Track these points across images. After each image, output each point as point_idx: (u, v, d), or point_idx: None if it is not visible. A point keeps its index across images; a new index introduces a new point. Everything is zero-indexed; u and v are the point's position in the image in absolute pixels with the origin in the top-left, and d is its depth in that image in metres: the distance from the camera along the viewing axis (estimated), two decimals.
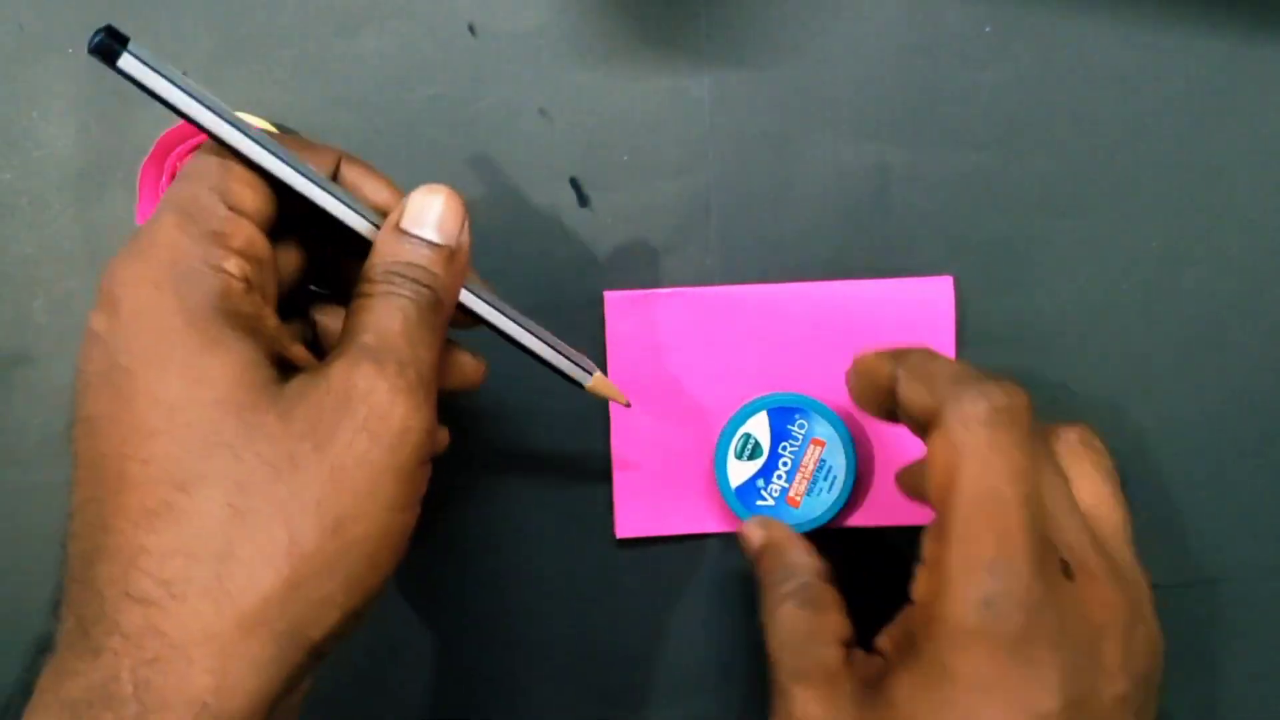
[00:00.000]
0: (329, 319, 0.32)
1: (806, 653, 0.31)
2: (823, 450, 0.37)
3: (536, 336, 0.32)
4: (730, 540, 0.39)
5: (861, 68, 0.39)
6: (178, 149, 0.37)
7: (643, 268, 0.39)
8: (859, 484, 0.38)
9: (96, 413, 0.26)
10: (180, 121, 0.36)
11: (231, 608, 0.24)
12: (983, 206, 0.39)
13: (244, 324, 0.26)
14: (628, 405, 0.36)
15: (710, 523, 0.39)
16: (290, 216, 0.29)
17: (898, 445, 0.39)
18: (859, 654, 0.31)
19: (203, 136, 0.36)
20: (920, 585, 0.29)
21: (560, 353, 0.33)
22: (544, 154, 0.39)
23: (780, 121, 0.39)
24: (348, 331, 0.27)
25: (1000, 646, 0.26)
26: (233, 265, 0.27)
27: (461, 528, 0.39)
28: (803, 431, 0.37)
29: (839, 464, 0.37)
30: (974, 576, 0.27)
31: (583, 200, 0.39)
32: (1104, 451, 0.31)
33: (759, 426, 0.37)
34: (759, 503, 0.37)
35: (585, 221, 0.39)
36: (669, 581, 0.39)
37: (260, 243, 0.28)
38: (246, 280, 0.27)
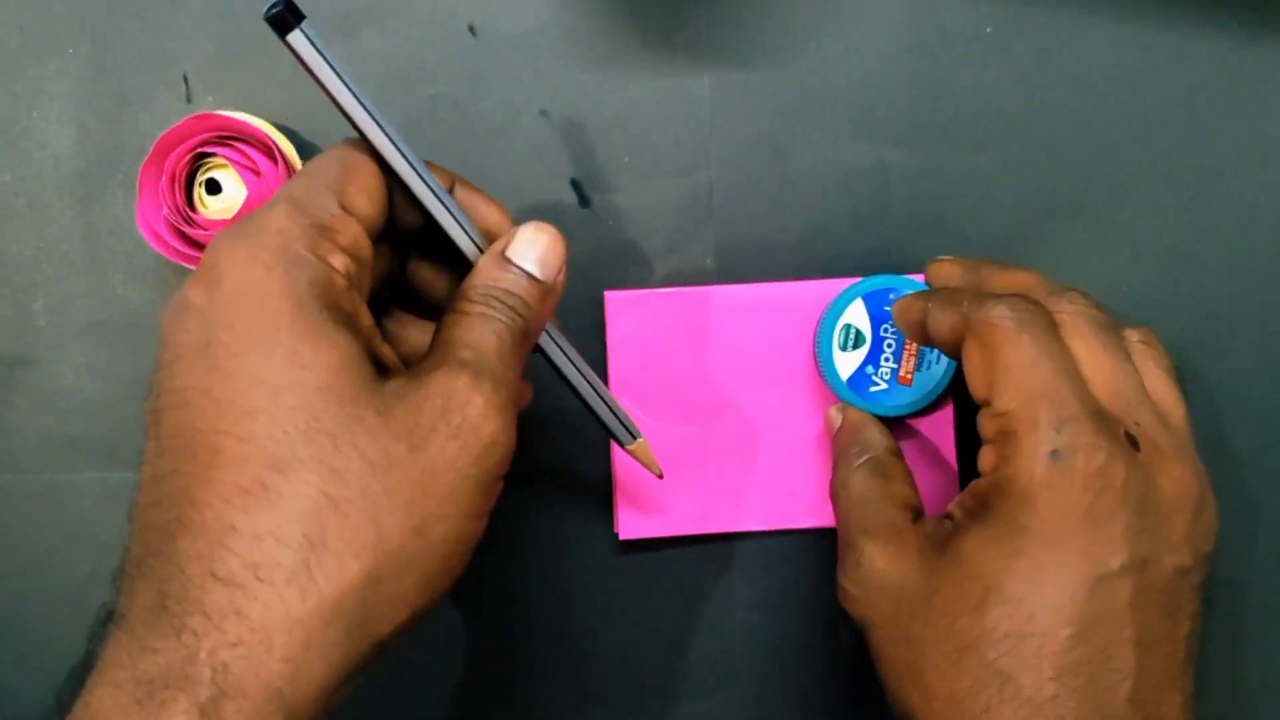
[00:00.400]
0: (396, 324, 0.33)
1: (876, 513, 0.33)
2: None
3: (594, 390, 0.33)
4: (731, 540, 0.39)
5: (861, 68, 0.39)
6: (178, 149, 0.37)
7: (643, 268, 0.39)
8: None
9: (190, 384, 0.25)
10: (180, 121, 0.37)
11: (316, 596, 0.24)
12: (983, 206, 0.39)
13: (344, 318, 0.27)
14: (660, 476, 0.36)
15: (711, 523, 0.39)
16: (389, 225, 0.30)
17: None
18: (928, 519, 0.32)
19: (202, 136, 0.37)
20: (986, 457, 0.30)
21: (613, 411, 0.34)
22: (544, 154, 0.39)
23: (781, 121, 0.39)
24: (444, 343, 0.28)
25: (1069, 500, 0.28)
26: (338, 261, 0.27)
27: None
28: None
29: None
30: (1039, 434, 0.28)
31: (583, 201, 0.39)
32: (1164, 351, 0.32)
33: (857, 314, 0.37)
34: (872, 389, 0.37)
35: (585, 222, 0.39)
36: (670, 583, 0.39)
37: (365, 245, 0.28)
38: (348, 277, 0.27)
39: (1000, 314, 0.29)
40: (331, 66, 0.28)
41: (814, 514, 0.39)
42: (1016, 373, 0.29)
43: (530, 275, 0.30)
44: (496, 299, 0.29)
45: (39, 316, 0.39)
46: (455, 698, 0.40)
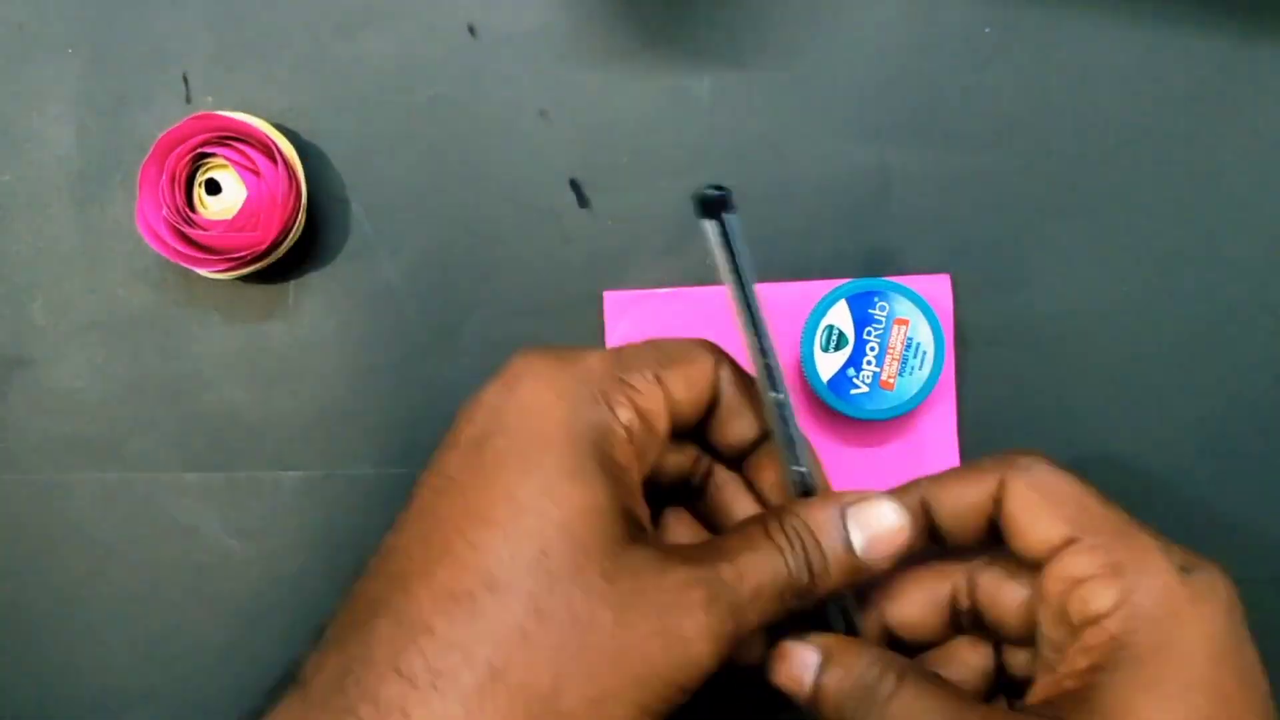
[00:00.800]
0: (675, 519, 0.32)
1: None
2: (908, 329, 0.37)
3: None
4: None
5: (861, 68, 0.39)
6: (178, 149, 0.37)
7: (643, 268, 0.39)
8: None
9: (454, 475, 0.26)
10: (180, 121, 0.37)
11: None
12: (983, 206, 0.39)
13: (610, 468, 0.27)
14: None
15: None
16: (704, 431, 0.31)
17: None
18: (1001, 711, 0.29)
19: (202, 136, 0.37)
20: (1078, 604, 0.27)
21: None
22: (544, 154, 0.39)
23: (780, 121, 0.39)
24: (716, 548, 0.27)
25: (1219, 611, 0.26)
26: (625, 415, 0.27)
27: None
28: (884, 313, 0.37)
29: (926, 339, 0.37)
30: (1157, 553, 0.27)
31: (583, 201, 0.39)
32: None
33: (840, 316, 0.37)
34: (853, 391, 0.37)
35: (585, 222, 0.39)
36: None
37: (661, 418, 0.29)
38: (630, 433, 0.27)
39: (1032, 458, 0.28)
40: (737, 263, 0.28)
41: None
42: (1092, 506, 0.27)
43: (854, 552, 0.28)
44: (803, 547, 0.27)
45: (38, 316, 0.39)
46: None
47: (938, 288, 0.38)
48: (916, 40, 0.38)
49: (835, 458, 0.39)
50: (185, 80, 0.39)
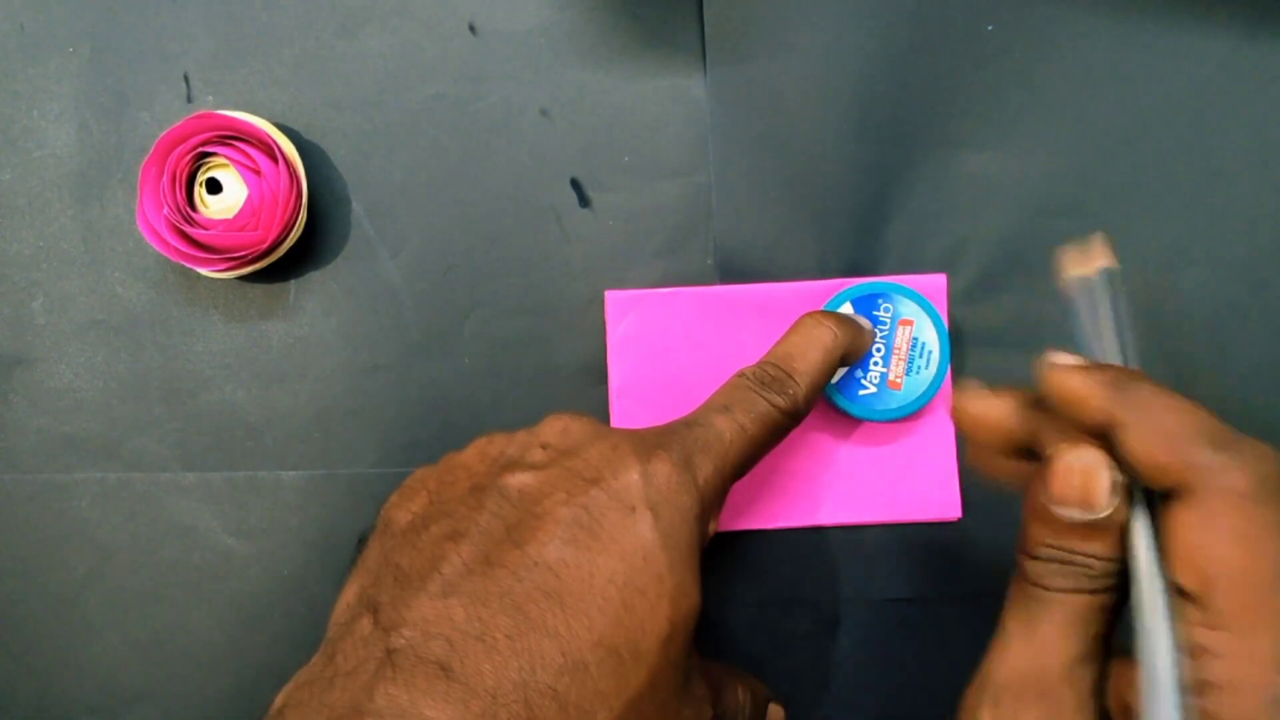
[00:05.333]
0: None
1: None
2: (912, 329, 0.37)
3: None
4: (732, 540, 0.39)
5: (862, 67, 0.39)
6: (178, 148, 0.37)
7: (643, 268, 0.39)
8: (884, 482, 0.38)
9: (570, 559, 0.27)
10: (181, 121, 0.36)
11: None
12: (983, 206, 0.39)
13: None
14: None
15: None
16: None
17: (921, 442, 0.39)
18: None
19: (203, 136, 0.37)
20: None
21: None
22: (544, 154, 0.39)
23: (780, 121, 0.39)
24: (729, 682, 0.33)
25: None
26: (713, 527, 0.31)
27: None
28: (889, 314, 0.37)
29: (930, 339, 0.37)
30: (1263, 675, 0.23)
31: (583, 200, 0.39)
32: None
33: None
34: (861, 392, 0.37)
35: (585, 221, 0.39)
36: None
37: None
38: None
39: (1239, 486, 0.23)
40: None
41: (814, 513, 0.39)
42: (1244, 590, 0.23)
43: None
44: None
45: (38, 315, 0.39)
46: None
47: (934, 288, 0.38)
48: (917, 39, 0.38)
49: (837, 458, 0.39)
50: (186, 79, 0.39)
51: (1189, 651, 0.23)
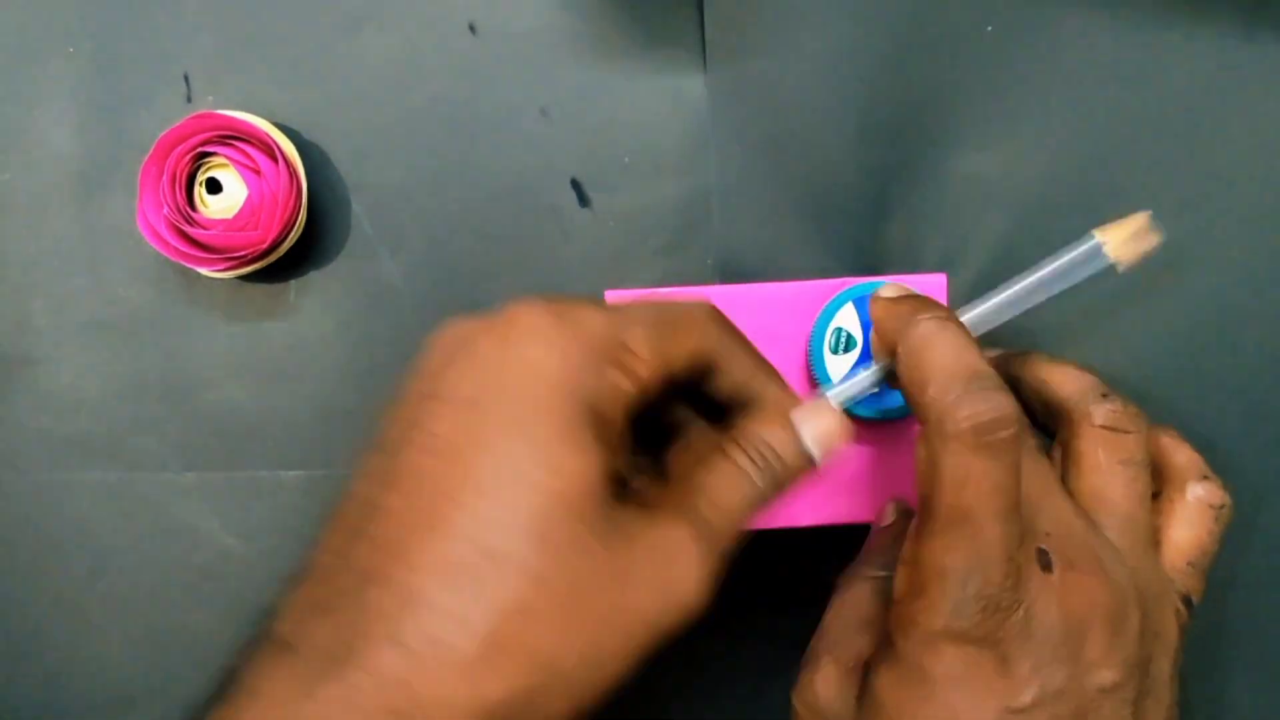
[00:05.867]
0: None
1: (851, 638, 0.32)
2: None
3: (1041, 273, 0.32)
4: None
5: (861, 68, 0.39)
6: (178, 148, 0.37)
7: (643, 268, 0.39)
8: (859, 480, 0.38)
9: (447, 436, 0.25)
10: (181, 121, 0.37)
11: (480, 697, 0.24)
12: (983, 206, 0.39)
13: (604, 434, 0.26)
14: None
15: None
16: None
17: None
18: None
19: (203, 136, 0.37)
20: (899, 583, 0.29)
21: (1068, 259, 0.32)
22: (544, 154, 0.39)
23: (780, 121, 0.39)
24: (692, 486, 0.27)
25: (971, 643, 0.27)
26: (623, 382, 0.27)
27: None
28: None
29: None
30: (946, 584, 0.27)
31: (583, 200, 0.39)
32: (1127, 442, 0.31)
33: (848, 318, 0.37)
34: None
35: (586, 222, 0.39)
36: None
37: (655, 387, 0.28)
38: (625, 399, 0.27)
39: (960, 429, 0.27)
40: None
41: (815, 512, 0.39)
42: (948, 511, 0.27)
43: (808, 453, 0.29)
44: (766, 459, 0.28)
45: (39, 316, 0.39)
46: None
47: (934, 288, 0.38)
48: (917, 39, 0.38)
49: (843, 458, 0.39)
50: (186, 79, 0.39)
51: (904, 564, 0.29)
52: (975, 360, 0.28)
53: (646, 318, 0.27)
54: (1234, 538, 0.39)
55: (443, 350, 0.27)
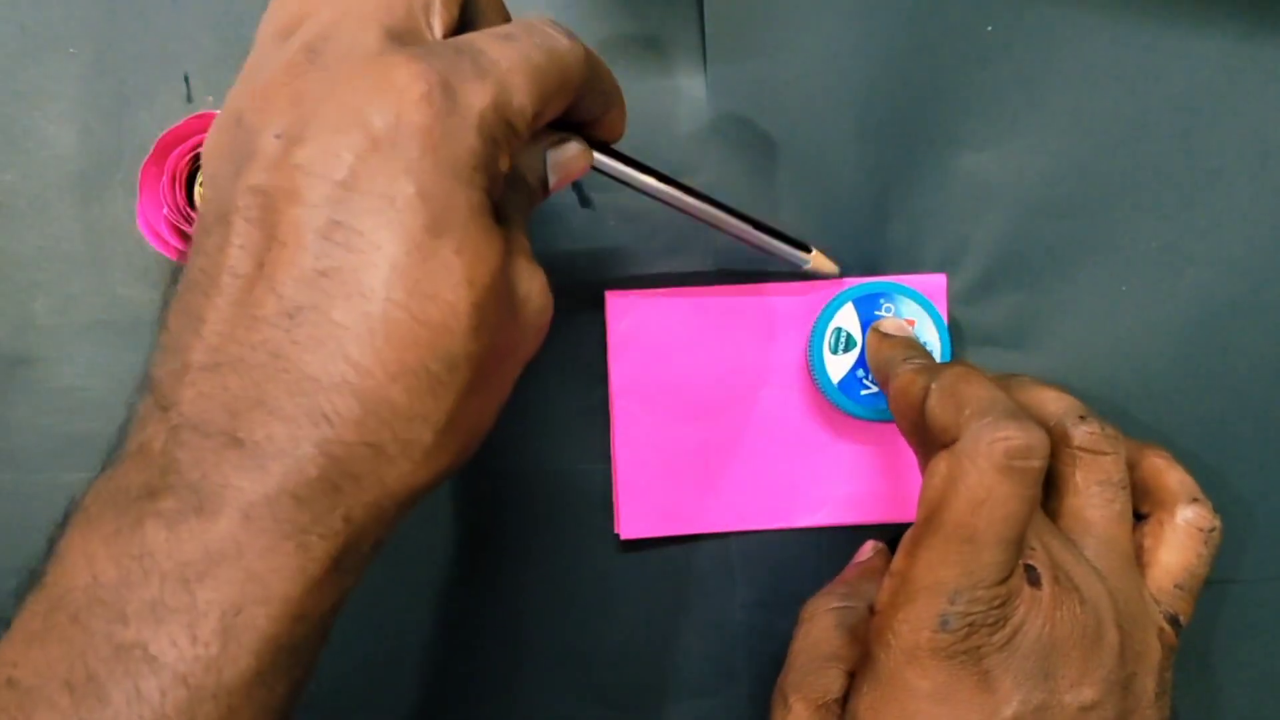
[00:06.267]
0: None
1: (817, 673, 0.32)
2: (914, 329, 0.37)
3: (753, 225, 0.35)
4: (731, 540, 0.39)
5: (861, 68, 0.39)
6: (178, 148, 0.37)
7: (643, 268, 0.39)
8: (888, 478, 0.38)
9: (333, 289, 0.24)
10: (181, 121, 0.37)
11: (434, 471, 0.25)
12: (983, 206, 0.39)
13: (493, 192, 0.25)
14: (840, 276, 0.38)
15: (712, 522, 0.39)
16: None
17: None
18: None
19: (203, 136, 0.37)
20: (883, 595, 0.29)
21: (780, 238, 0.36)
22: None
23: (780, 121, 0.39)
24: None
25: (953, 659, 0.27)
26: (504, 158, 0.25)
27: (461, 529, 0.39)
28: (890, 314, 0.37)
29: (933, 339, 0.37)
30: (936, 598, 0.28)
31: (584, 200, 0.39)
32: (1104, 463, 0.31)
33: (848, 318, 0.37)
34: (863, 392, 0.37)
35: (586, 222, 0.39)
36: (670, 583, 0.39)
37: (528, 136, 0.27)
38: (504, 164, 0.26)
39: (991, 453, 0.27)
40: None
41: (815, 513, 0.39)
42: (952, 531, 0.27)
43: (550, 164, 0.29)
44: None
45: (40, 316, 0.39)
46: (454, 696, 0.40)
47: (934, 287, 0.38)
48: (917, 39, 0.38)
49: (843, 458, 0.39)
50: (186, 80, 0.39)
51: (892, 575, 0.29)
52: (1010, 399, 0.29)
53: (533, 85, 0.26)
54: (1232, 538, 0.39)
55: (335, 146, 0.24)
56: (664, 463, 0.38)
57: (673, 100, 0.39)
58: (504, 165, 0.25)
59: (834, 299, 0.37)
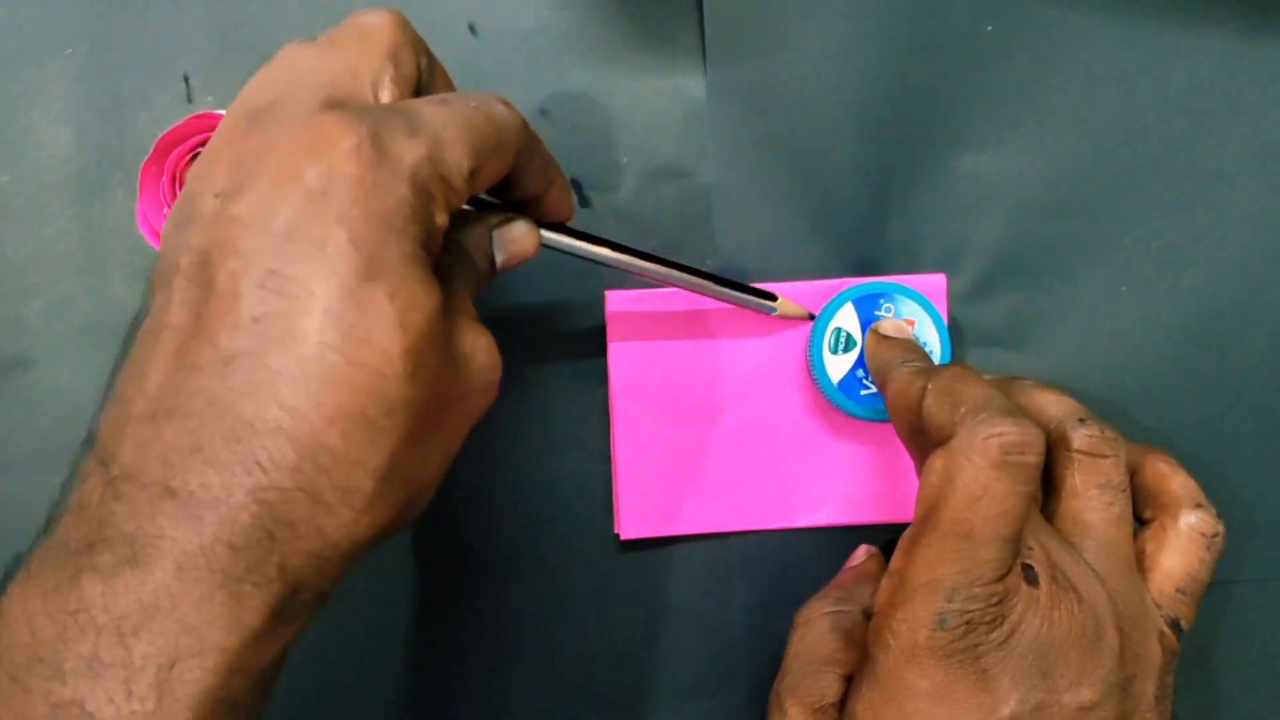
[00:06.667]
0: None
1: (813, 678, 0.32)
2: (913, 329, 0.37)
3: (715, 281, 0.36)
4: (731, 540, 0.39)
5: (861, 68, 0.39)
6: (178, 149, 0.37)
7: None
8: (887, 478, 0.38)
9: (270, 335, 0.24)
10: (180, 121, 0.36)
11: (375, 525, 0.25)
12: (983, 206, 0.39)
13: (431, 247, 0.26)
14: (812, 318, 0.38)
15: (712, 522, 0.39)
16: None
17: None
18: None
19: (203, 136, 0.37)
20: (882, 594, 0.29)
21: (744, 290, 0.37)
22: None
23: (780, 121, 0.39)
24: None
25: (951, 658, 0.27)
26: (441, 212, 0.26)
27: (460, 530, 0.39)
28: (890, 314, 0.37)
29: (932, 339, 0.37)
30: (934, 596, 0.28)
31: (583, 201, 0.39)
32: (1104, 466, 0.31)
33: (847, 318, 0.37)
34: (863, 392, 0.37)
35: (586, 221, 0.39)
36: (670, 583, 0.39)
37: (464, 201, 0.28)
38: (441, 220, 0.26)
39: (986, 449, 0.27)
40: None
41: (814, 513, 0.39)
42: (949, 529, 0.27)
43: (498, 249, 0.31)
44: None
45: (37, 318, 0.39)
46: (454, 697, 0.39)
47: (933, 287, 0.38)
48: (917, 39, 0.38)
49: (843, 458, 0.39)
50: (186, 80, 0.39)
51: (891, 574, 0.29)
52: (1006, 397, 0.29)
53: (461, 142, 0.26)
54: (1232, 539, 0.39)
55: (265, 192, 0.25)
56: (664, 463, 0.38)
57: (673, 100, 0.39)
58: (440, 220, 0.26)
59: (834, 299, 0.37)
